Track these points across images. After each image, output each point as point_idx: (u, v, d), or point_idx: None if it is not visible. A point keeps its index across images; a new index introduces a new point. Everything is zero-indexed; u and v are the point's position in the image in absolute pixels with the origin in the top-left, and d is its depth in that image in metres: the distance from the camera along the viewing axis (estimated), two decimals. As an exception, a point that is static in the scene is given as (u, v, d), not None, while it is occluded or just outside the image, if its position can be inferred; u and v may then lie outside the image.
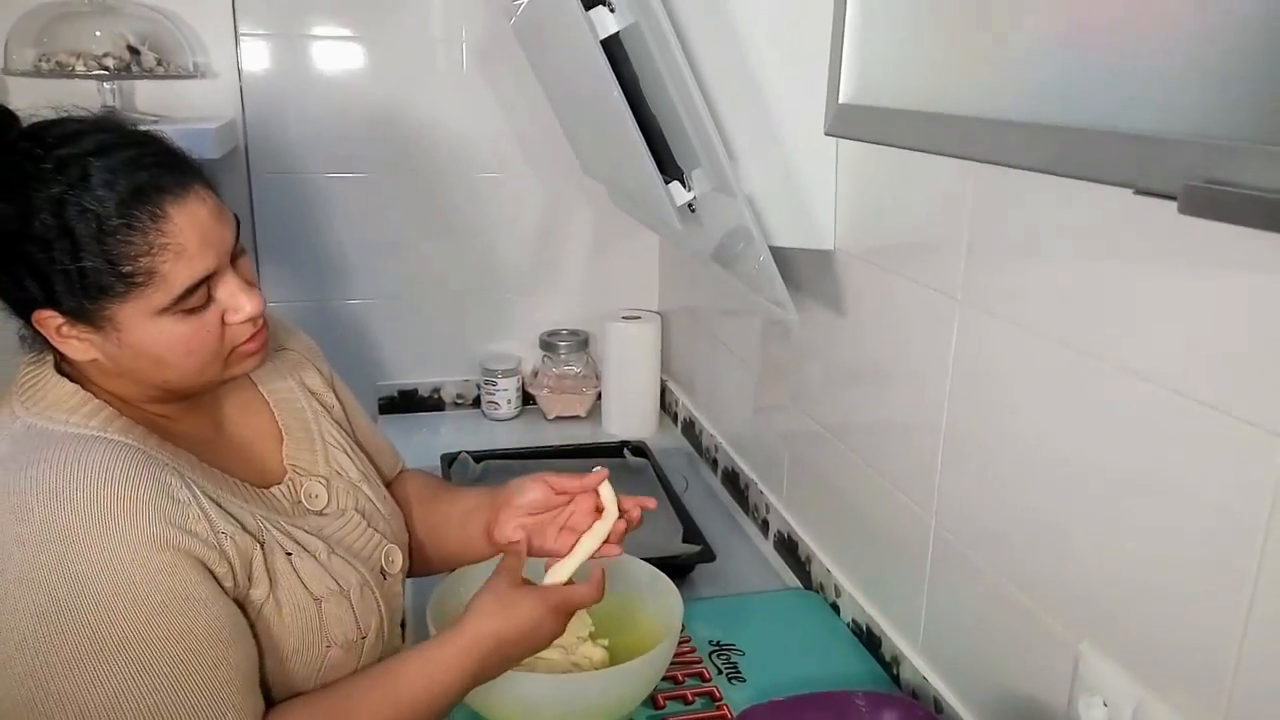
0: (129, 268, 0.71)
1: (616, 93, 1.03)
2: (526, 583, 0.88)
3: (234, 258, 0.79)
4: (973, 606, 0.92)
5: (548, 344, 1.84)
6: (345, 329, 1.82)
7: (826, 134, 0.78)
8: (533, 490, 0.98)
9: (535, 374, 1.87)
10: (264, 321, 0.81)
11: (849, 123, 0.75)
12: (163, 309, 0.73)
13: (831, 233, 1.13)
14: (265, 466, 0.88)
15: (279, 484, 0.87)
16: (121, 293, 0.72)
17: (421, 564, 1.03)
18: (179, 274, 0.73)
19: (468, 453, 1.55)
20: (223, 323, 0.78)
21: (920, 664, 1.01)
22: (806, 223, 1.12)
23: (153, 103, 1.62)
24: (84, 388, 0.77)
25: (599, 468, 0.98)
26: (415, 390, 1.87)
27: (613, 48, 1.06)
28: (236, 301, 0.78)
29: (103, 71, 1.47)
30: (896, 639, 1.06)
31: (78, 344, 0.75)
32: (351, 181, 1.74)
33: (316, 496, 0.88)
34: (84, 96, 1.47)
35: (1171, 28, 0.46)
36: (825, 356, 1.20)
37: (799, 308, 1.22)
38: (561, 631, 0.88)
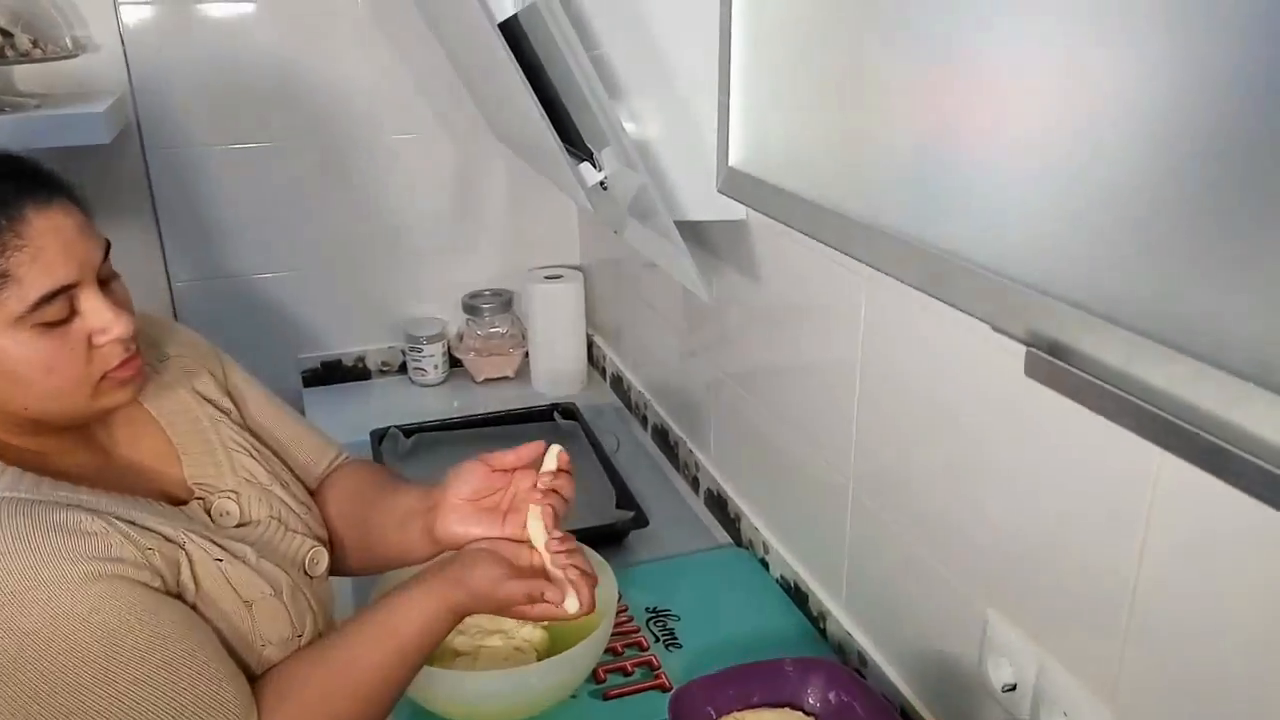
0: None
1: (519, 77, 1.02)
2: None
3: (105, 280, 0.77)
4: (890, 567, 0.97)
5: (471, 307, 1.83)
6: (261, 303, 1.78)
7: (719, 191, 0.79)
8: (470, 476, 0.93)
9: (460, 337, 1.86)
10: (136, 348, 0.79)
11: (738, 187, 0.77)
12: (18, 317, 0.71)
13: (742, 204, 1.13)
14: (168, 489, 0.86)
15: (193, 500, 0.86)
16: None
17: (362, 564, 1.02)
18: (35, 279, 0.71)
19: (397, 427, 1.55)
20: (90, 344, 0.76)
21: (845, 619, 1.06)
22: (715, 194, 1.13)
23: (32, 82, 1.53)
24: None
25: (541, 442, 0.93)
26: (339, 360, 1.85)
27: (512, 26, 1.04)
28: (103, 319, 0.75)
29: (-27, 56, 1.39)
30: (822, 595, 1.11)
31: None
32: (254, 151, 1.68)
33: (228, 514, 0.87)
34: (-45, 82, 1.39)
35: (1042, 157, 0.46)
36: (744, 321, 1.22)
37: (716, 271, 1.23)
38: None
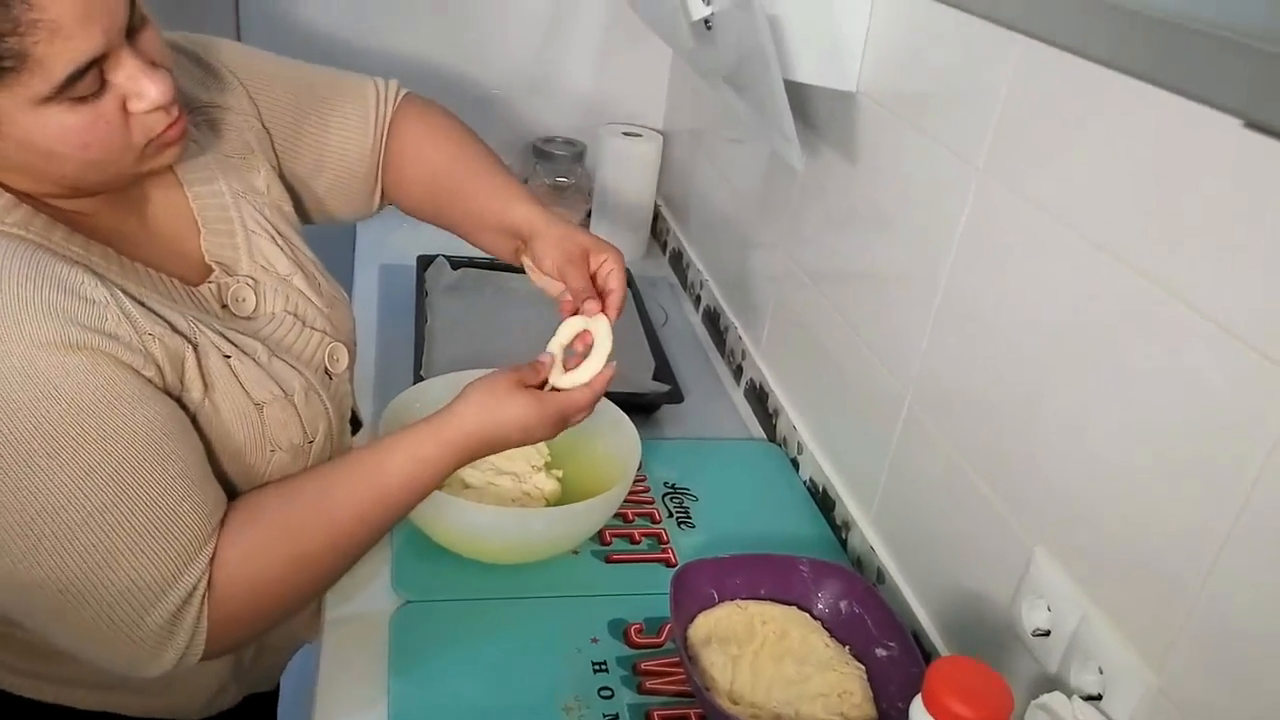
0: None
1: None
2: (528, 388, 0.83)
3: (132, 31, 0.67)
4: (932, 485, 0.90)
5: (542, 151, 1.75)
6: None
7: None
8: (550, 266, 0.91)
9: (525, 181, 1.78)
10: (179, 109, 0.71)
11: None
12: (45, 98, 0.63)
13: (856, 74, 1.03)
14: (190, 261, 0.81)
15: (206, 282, 0.80)
16: None
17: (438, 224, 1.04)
18: (57, 57, 0.62)
19: (445, 256, 1.49)
20: (126, 111, 0.68)
21: (870, 533, 1.01)
22: (831, 58, 1.02)
23: None
24: None
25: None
26: (398, 183, 1.79)
27: None
28: (137, 86, 0.67)
29: None
30: (850, 504, 1.05)
31: None
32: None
33: (244, 300, 0.82)
34: None
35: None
36: (828, 204, 1.13)
37: (810, 148, 1.14)
38: (555, 434, 0.84)
